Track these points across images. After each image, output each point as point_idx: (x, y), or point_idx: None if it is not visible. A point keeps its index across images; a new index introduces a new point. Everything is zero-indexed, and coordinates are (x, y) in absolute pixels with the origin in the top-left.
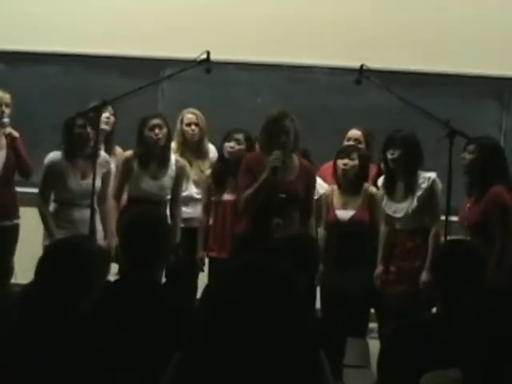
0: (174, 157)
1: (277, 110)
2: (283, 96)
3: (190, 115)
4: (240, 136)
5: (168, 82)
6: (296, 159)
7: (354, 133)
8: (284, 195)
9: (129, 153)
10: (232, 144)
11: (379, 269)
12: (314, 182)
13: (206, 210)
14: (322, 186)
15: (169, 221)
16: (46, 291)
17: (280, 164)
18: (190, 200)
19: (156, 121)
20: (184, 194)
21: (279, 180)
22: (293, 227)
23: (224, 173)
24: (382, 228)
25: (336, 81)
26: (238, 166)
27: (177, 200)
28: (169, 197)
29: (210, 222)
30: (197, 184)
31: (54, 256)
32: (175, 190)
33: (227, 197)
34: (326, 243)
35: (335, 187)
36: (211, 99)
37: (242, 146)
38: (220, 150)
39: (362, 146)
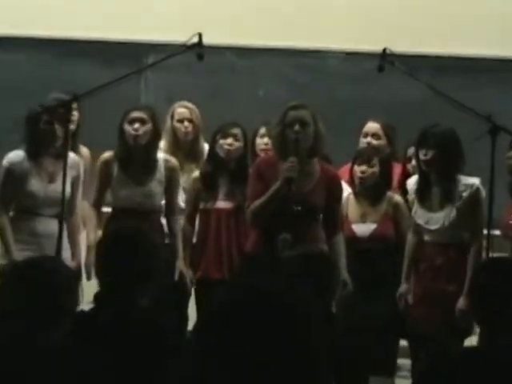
0: (162, 156)
1: (295, 105)
2: (290, 87)
3: (182, 109)
4: (238, 131)
5: (153, 70)
6: (316, 165)
7: (372, 126)
8: (299, 207)
9: (108, 154)
10: (230, 141)
11: (403, 287)
12: (340, 190)
13: (191, 219)
14: (345, 190)
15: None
16: (5, 318)
17: (295, 175)
18: (179, 210)
19: (136, 114)
20: None
21: (294, 190)
22: (309, 244)
23: (217, 175)
24: (410, 238)
25: (353, 68)
26: (235, 167)
27: (172, 208)
28: (160, 205)
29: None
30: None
31: (13, 279)
32: (169, 196)
33: (221, 204)
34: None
35: (351, 196)
36: (204, 91)
37: (241, 143)
38: (212, 147)
39: (381, 141)
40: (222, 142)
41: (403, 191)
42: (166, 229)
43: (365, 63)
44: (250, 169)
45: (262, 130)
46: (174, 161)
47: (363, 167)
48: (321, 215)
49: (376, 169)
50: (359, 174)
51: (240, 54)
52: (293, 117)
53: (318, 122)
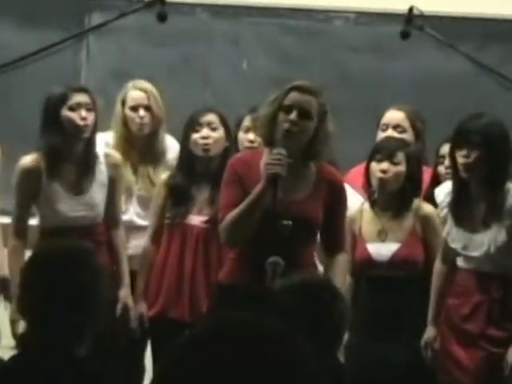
0: (102, 151)
1: (301, 85)
2: (283, 58)
3: (136, 92)
4: (213, 117)
5: (97, 35)
6: (312, 166)
7: (394, 116)
8: (289, 222)
9: (30, 158)
10: (205, 132)
11: (431, 331)
12: (344, 199)
13: (156, 237)
14: (353, 198)
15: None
16: None
17: (283, 171)
18: (131, 229)
19: (79, 97)
20: (123, 218)
21: (282, 197)
22: (304, 270)
23: (192, 180)
24: (439, 267)
25: (368, 34)
26: (218, 167)
27: (116, 218)
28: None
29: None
30: (143, 203)
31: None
32: (112, 202)
33: (195, 219)
34: (352, 296)
35: (366, 206)
36: (167, 65)
37: (221, 133)
38: (184, 145)
39: (406, 135)
40: (195, 136)
41: (433, 205)
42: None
43: (384, 27)
44: (225, 170)
45: (246, 122)
46: (116, 155)
47: (384, 165)
48: (318, 232)
49: (402, 167)
50: (378, 175)
51: (216, 14)
52: (293, 100)
53: (326, 119)
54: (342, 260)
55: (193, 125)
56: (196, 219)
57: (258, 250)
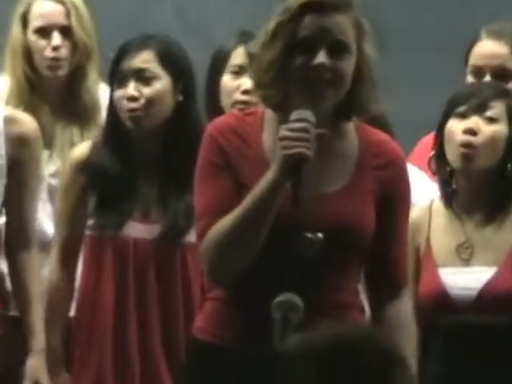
0: (2, 111)
1: None
2: None
3: (47, 4)
4: (149, 56)
5: None
6: (351, 132)
7: (490, 47)
8: (318, 235)
9: None
10: (131, 88)
11: None
12: (407, 191)
13: (67, 260)
14: (421, 187)
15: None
16: None
17: (311, 152)
18: (43, 245)
19: None
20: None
21: (307, 193)
22: (341, 314)
23: (124, 162)
24: None
25: None
26: (161, 148)
27: (23, 230)
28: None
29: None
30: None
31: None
32: (16, 201)
33: (135, 229)
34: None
35: (436, 203)
36: None
37: (164, 87)
38: (111, 103)
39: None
40: (118, 93)
41: None
42: (7, 284)
43: None
44: (201, 147)
45: (237, 58)
46: (28, 123)
47: (471, 121)
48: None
49: (502, 127)
50: (461, 138)
51: None
52: (312, 27)
53: (364, 43)
54: (407, 304)
55: (114, 72)
56: (140, 229)
57: (260, 283)
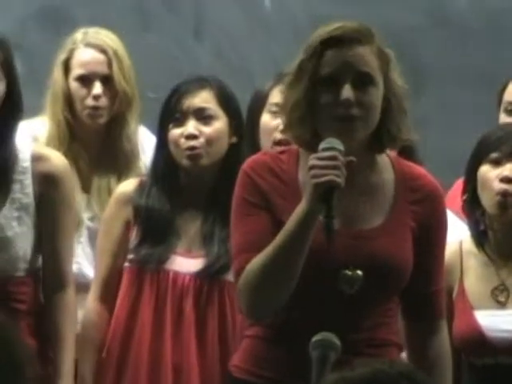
0: (30, 148)
1: (340, 29)
2: None
3: (88, 52)
4: (206, 97)
5: None
6: (388, 164)
7: None
8: (357, 272)
9: None
10: (192, 127)
11: None
12: (445, 225)
13: (106, 294)
14: (453, 228)
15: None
16: None
17: (342, 179)
18: (80, 286)
19: None
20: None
21: (344, 228)
22: (380, 355)
23: (171, 200)
24: None
25: None
26: (213, 181)
27: (58, 272)
28: (30, 264)
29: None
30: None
31: None
32: (46, 241)
33: (182, 265)
34: None
35: (467, 243)
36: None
37: (219, 125)
38: (161, 138)
39: None
40: (175, 132)
41: None
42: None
43: None
44: (236, 185)
45: (275, 98)
46: (54, 157)
47: (507, 168)
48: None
49: None
50: (498, 186)
51: None
52: (335, 63)
53: (390, 72)
54: (445, 336)
55: (170, 111)
56: (183, 264)
57: (299, 321)
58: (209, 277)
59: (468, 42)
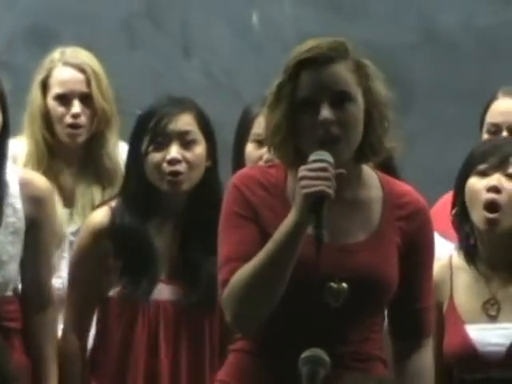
0: (18, 173)
1: (316, 47)
2: (318, 5)
3: (67, 71)
4: (189, 119)
5: None
6: (376, 181)
7: (506, 105)
8: (343, 285)
9: None
10: (174, 153)
11: None
12: (431, 242)
13: (82, 324)
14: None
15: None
16: None
17: (331, 190)
18: (64, 303)
19: None
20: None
21: (331, 242)
22: (367, 371)
23: (146, 222)
24: None
25: None
26: (188, 204)
27: (41, 291)
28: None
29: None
30: None
31: None
32: (32, 263)
33: (164, 292)
34: None
35: (456, 259)
36: (121, 17)
37: (199, 150)
38: (136, 161)
39: None
40: (156, 156)
41: None
42: None
43: None
44: (225, 197)
45: (260, 127)
46: (40, 181)
47: (494, 179)
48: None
49: None
50: (485, 197)
51: None
52: (311, 84)
53: (370, 84)
54: (429, 354)
55: (147, 134)
56: (165, 291)
57: (284, 334)
58: (189, 305)
59: (457, 58)
